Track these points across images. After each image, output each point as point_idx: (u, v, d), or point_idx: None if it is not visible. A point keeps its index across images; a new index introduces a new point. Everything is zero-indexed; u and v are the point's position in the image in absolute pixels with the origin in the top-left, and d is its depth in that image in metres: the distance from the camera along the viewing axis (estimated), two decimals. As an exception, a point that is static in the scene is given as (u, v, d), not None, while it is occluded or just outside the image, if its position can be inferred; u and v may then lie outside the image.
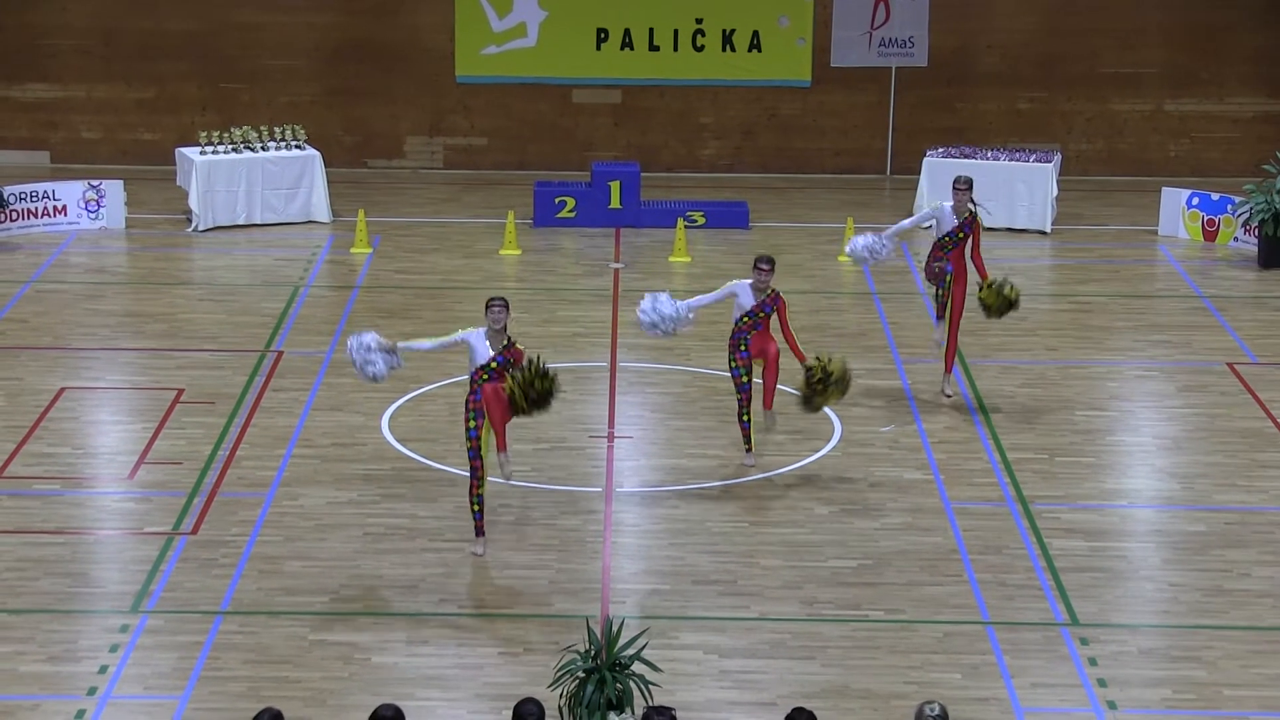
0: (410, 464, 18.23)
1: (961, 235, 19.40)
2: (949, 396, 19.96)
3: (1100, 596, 15.75)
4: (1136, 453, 18.97)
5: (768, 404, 17.91)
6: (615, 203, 26.49)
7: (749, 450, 18.24)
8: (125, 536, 16.67)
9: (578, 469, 18.14)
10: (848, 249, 19.81)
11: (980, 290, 19.40)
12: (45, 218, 25.69)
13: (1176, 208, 26.30)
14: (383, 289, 23.67)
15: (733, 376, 17.85)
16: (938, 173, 26.18)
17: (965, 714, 13.76)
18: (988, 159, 26.57)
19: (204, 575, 15.86)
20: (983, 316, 19.70)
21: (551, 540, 16.64)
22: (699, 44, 29.05)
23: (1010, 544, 16.68)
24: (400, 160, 29.49)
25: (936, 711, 11.23)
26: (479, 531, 16.32)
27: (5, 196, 25.23)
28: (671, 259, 24.97)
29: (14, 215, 25.39)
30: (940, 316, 19.67)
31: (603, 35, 29.04)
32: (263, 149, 26.33)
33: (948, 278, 19.45)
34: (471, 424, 15.92)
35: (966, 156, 26.62)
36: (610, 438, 18.97)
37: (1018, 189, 26.35)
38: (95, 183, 25.99)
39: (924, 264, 20.02)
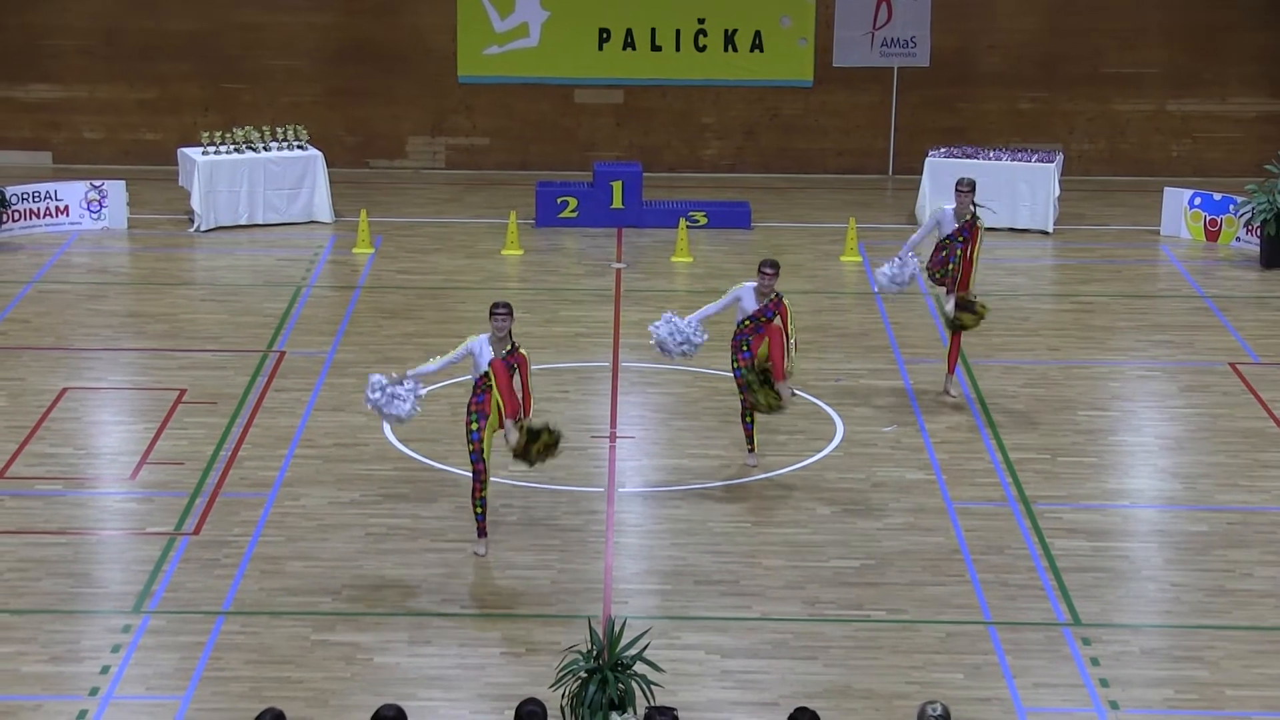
0: (412, 464, 18.22)
1: (961, 239, 19.39)
2: (952, 397, 19.95)
3: (1102, 596, 15.74)
4: (1139, 453, 18.96)
5: (778, 375, 17.70)
6: (617, 203, 26.47)
7: (751, 450, 18.24)
8: (127, 537, 16.67)
9: (580, 469, 18.12)
10: (875, 288, 19.83)
11: (963, 315, 19.41)
12: (47, 218, 25.68)
13: (1179, 208, 26.28)
14: (385, 289, 23.65)
15: (735, 377, 17.83)
16: (940, 173, 26.15)
17: (967, 714, 13.75)
18: (990, 159, 26.55)
19: (206, 575, 15.85)
20: (970, 324, 19.65)
21: (554, 540, 16.63)
22: (701, 44, 29.03)
23: (1012, 544, 16.67)
24: (402, 160, 29.47)
25: (939, 711, 11.23)
26: (481, 532, 16.31)
27: (7, 197, 25.22)
28: (673, 259, 24.95)
29: (16, 215, 25.38)
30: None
31: (605, 35, 29.02)
32: (265, 149, 26.31)
33: (950, 266, 19.43)
34: (474, 427, 15.90)
35: (969, 156, 26.60)
36: (612, 438, 18.96)
37: (1020, 189, 26.33)
38: (97, 183, 25.98)
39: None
